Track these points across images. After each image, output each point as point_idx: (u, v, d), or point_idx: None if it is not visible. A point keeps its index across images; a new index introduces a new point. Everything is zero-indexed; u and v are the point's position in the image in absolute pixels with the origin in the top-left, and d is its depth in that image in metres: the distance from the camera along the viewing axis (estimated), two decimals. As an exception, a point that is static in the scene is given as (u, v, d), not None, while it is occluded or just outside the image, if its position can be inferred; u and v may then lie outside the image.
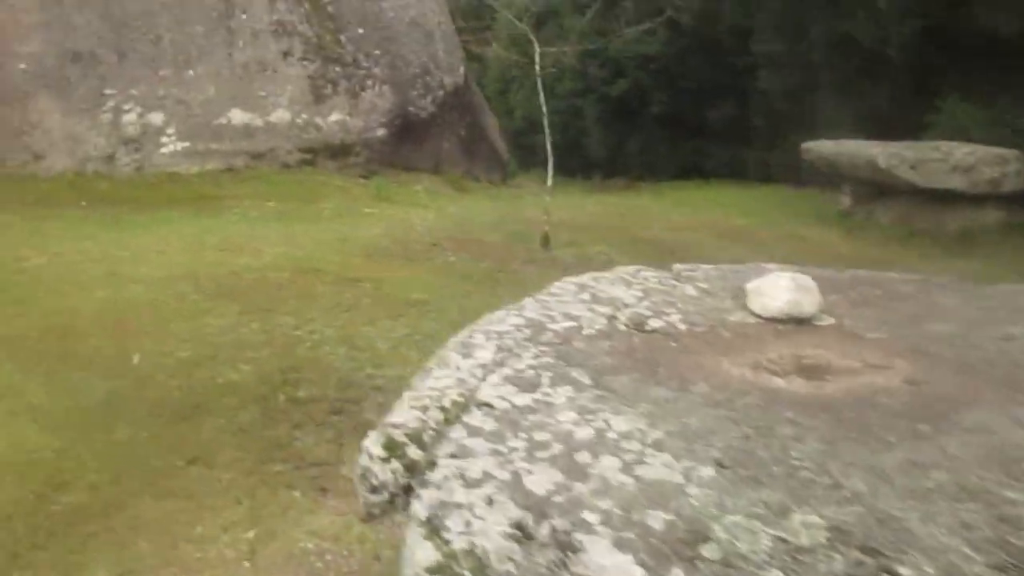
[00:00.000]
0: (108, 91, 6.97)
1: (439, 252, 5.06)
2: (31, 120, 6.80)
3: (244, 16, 7.33)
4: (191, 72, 7.21)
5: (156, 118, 7.13)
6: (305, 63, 7.59)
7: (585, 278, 2.28)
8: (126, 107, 7.03)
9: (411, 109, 8.24)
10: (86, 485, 2.37)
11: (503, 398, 1.46)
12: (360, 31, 7.87)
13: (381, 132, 7.94)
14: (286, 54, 7.51)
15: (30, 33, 6.67)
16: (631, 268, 2.42)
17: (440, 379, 1.58)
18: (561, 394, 1.48)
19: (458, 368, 1.63)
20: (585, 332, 1.82)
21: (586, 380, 1.55)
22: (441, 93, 8.59)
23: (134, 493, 2.33)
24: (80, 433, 2.63)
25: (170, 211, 5.90)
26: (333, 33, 7.71)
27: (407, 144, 8.21)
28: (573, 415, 1.39)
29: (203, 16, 7.18)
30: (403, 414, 1.42)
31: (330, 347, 3.40)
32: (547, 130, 5.64)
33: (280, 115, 7.53)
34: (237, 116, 7.38)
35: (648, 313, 1.94)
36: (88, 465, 2.47)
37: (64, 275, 4.14)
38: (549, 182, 5.92)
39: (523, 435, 1.32)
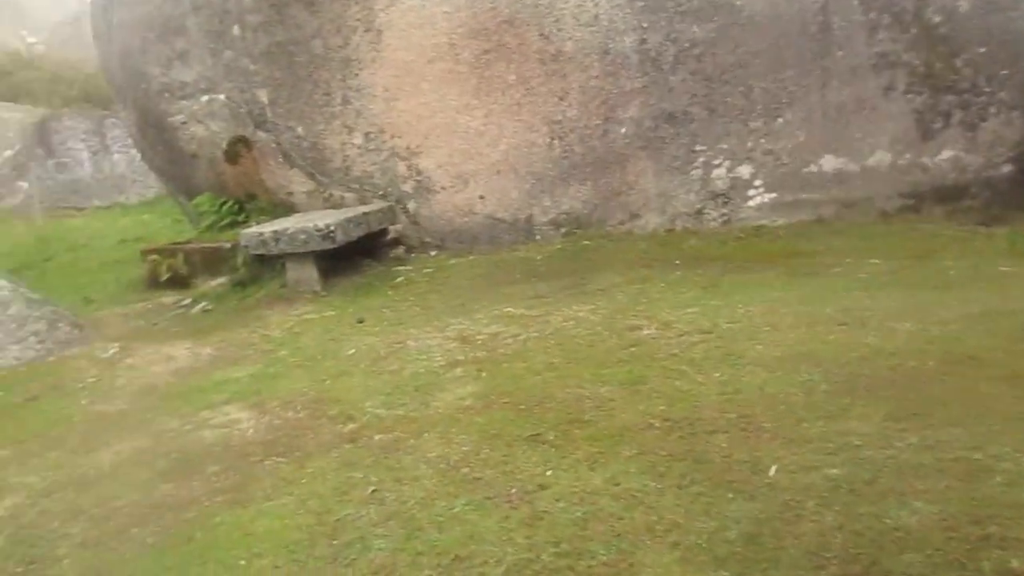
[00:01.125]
0: (698, 147, 6.93)
1: None
2: (628, 181, 7.10)
3: (841, 53, 6.65)
4: (781, 120, 6.79)
5: (744, 170, 6.87)
6: (910, 96, 6.59)
7: None
8: (715, 162, 6.91)
9: (1048, 136, 6.60)
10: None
11: None
12: (981, 50, 6.56)
13: (1007, 168, 6.49)
14: (887, 88, 6.61)
15: (631, 98, 6.97)
16: None
17: None
18: None
19: None
20: None
21: None
22: (1090, 112, 6.73)
23: None
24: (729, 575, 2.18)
25: (764, 271, 5.47)
26: (946, 58, 6.56)
27: (1040, 180, 6.58)
28: None
29: (796, 59, 6.71)
30: None
31: (1034, 485, 2.46)
32: None
33: (878, 157, 6.65)
34: (829, 162, 6.73)
35: None
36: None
37: (676, 350, 3.92)
38: None
39: None
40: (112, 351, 5.37)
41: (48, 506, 3.19)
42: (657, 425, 3.13)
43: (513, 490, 2.77)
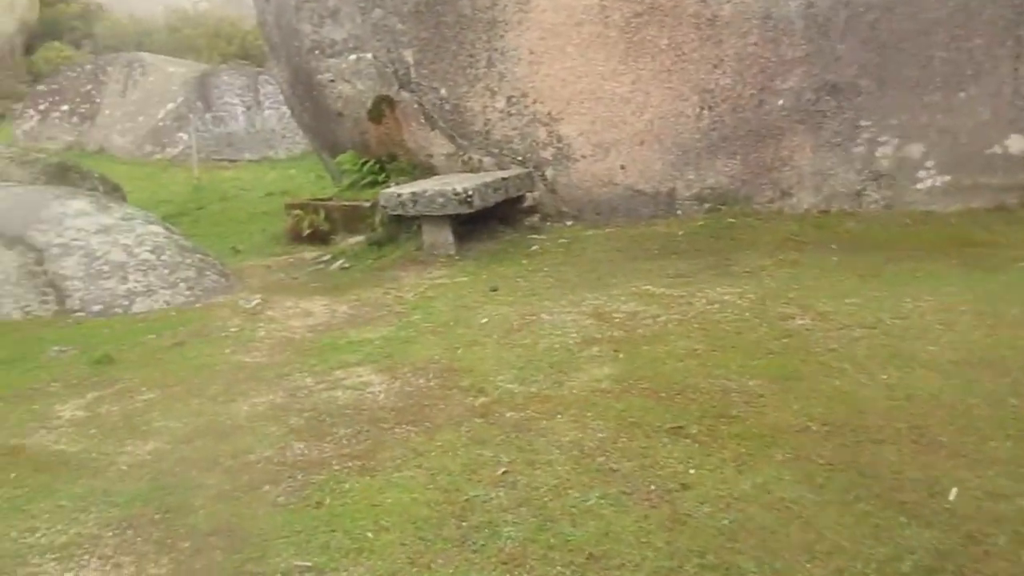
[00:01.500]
0: (863, 123, 6.38)
1: None
2: (782, 156, 6.64)
3: (1040, 21, 5.93)
4: (962, 95, 6.14)
5: (914, 150, 6.28)
6: (1122, 71, 5.81)
7: None
8: (881, 139, 6.35)
9: None
10: None
11: None
12: None
13: None
14: (1094, 62, 5.86)
15: (792, 68, 6.48)
16: None
17: None
18: None
19: None
20: None
21: None
22: None
23: None
24: (905, 617, 1.91)
25: (934, 262, 4.98)
26: None
27: None
28: None
29: (986, 27, 6.03)
30: None
31: None
32: None
33: (1076, 141, 5.92)
34: (1016, 143, 6.05)
35: None
36: None
37: (835, 345, 3.59)
38: None
39: None
40: (254, 302, 5.51)
41: (187, 453, 3.26)
42: (814, 428, 2.85)
43: (653, 487, 2.57)
